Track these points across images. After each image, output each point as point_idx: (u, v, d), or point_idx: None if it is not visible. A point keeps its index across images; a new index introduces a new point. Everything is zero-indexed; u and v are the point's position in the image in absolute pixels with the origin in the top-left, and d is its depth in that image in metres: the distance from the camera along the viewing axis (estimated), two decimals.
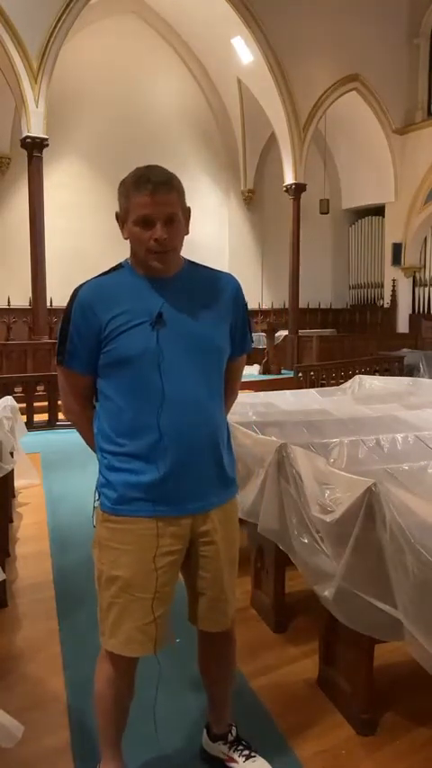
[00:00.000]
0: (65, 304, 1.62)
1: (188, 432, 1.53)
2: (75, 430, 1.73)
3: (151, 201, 1.47)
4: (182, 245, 1.57)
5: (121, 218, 1.56)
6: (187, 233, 1.59)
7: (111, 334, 1.52)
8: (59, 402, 7.69)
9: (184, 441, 1.53)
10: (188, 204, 1.59)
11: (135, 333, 1.51)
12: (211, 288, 1.63)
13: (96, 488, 1.61)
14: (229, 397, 1.75)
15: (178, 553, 1.60)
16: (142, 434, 1.52)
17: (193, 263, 1.66)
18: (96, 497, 1.61)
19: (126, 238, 1.56)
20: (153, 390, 1.51)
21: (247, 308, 1.73)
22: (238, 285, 1.70)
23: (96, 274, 1.62)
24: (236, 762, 1.81)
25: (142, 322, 1.51)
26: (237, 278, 1.72)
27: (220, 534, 1.63)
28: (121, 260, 1.63)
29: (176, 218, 1.52)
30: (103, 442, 1.59)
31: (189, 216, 1.59)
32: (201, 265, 1.68)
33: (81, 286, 1.58)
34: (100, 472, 1.60)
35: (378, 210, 14.80)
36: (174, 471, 1.53)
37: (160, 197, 1.47)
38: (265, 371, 10.85)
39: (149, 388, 1.51)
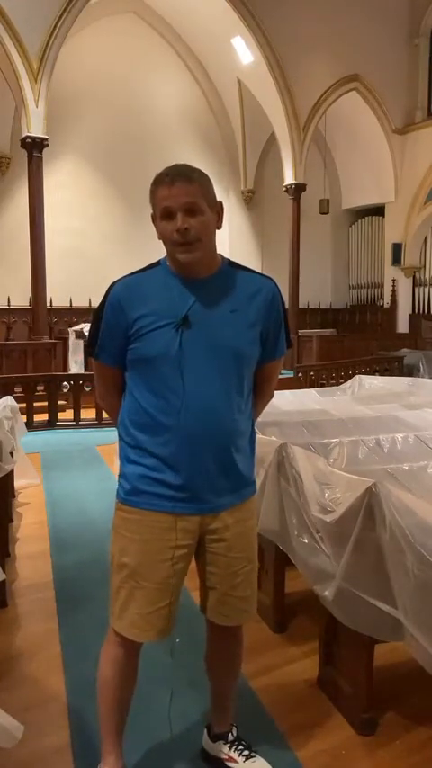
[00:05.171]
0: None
1: (202, 434, 1.54)
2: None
3: (169, 193, 1.49)
4: (211, 238, 1.55)
5: (153, 218, 1.57)
6: (219, 227, 1.58)
7: (137, 332, 1.54)
8: (59, 402, 7.76)
9: (198, 443, 1.54)
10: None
11: (159, 334, 1.52)
12: (244, 291, 1.61)
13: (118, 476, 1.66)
14: (260, 400, 1.75)
15: (188, 548, 1.61)
16: (158, 433, 1.55)
17: (234, 264, 1.65)
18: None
19: (160, 238, 1.57)
20: (172, 392, 1.53)
21: (284, 312, 1.69)
22: (276, 289, 1.67)
23: (131, 271, 1.62)
24: (236, 761, 1.81)
25: (167, 324, 1.52)
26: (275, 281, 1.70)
27: (232, 532, 1.64)
28: (160, 258, 1.63)
29: (197, 208, 1.50)
30: (123, 433, 1.63)
31: (221, 210, 1.58)
32: (242, 267, 1.67)
33: (115, 282, 1.60)
34: (120, 461, 1.64)
35: (378, 210, 14.79)
36: (186, 471, 1.55)
37: (177, 188, 1.48)
38: None
39: (169, 390, 1.53)
